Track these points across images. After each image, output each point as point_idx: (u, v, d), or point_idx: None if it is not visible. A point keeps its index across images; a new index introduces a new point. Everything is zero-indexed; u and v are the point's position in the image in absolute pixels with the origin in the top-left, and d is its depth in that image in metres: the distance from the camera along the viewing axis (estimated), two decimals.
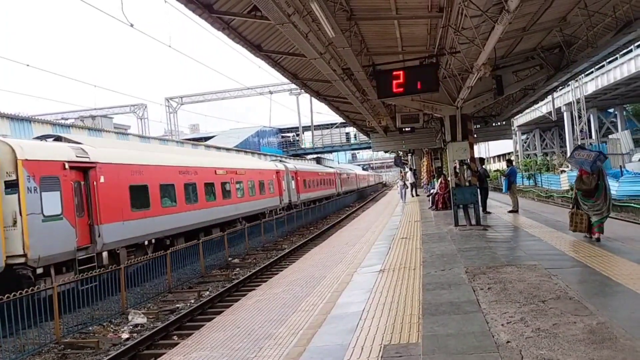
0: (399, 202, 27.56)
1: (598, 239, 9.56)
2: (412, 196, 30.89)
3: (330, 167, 57.75)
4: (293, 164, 38.29)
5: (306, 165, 48.49)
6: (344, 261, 12.01)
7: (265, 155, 48.56)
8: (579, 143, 42.69)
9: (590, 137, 43.86)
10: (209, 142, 49.78)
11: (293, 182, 34.72)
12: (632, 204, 25.82)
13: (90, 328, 10.82)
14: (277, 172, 31.27)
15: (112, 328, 11.01)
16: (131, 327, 11.03)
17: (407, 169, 51.38)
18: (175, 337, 10.11)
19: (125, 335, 10.42)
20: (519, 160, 55.70)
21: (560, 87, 31.71)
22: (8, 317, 9.01)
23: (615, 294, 6.04)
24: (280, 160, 38.61)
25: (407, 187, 29.68)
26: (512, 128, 43.47)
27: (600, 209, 9.41)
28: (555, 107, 45.54)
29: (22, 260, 10.97)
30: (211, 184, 20.88)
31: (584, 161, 9.57)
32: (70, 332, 10.42)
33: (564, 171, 42.03)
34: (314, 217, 32.66)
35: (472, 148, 13.89)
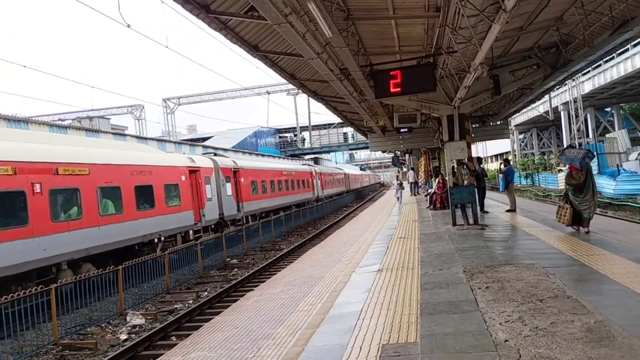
0: (396, 203, 26.39)
1: (587, 232, 10.36)
2: (414, 195, 30.85)
3: (309, 164, 47.64)
4: (232, 159, 26.15)
5: (258, 161, 35.02)
6: (342, 261, 12.02)
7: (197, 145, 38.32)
8: (576, 142, 42.87)
9: (587, 136, 43.90)
10: (206, 143, 49.72)
11: (229, 185, 23.31)
12: (630, 203, 25.88)
13: (88, 329, 10.81)
14: (193, 171, 19.99)
15: (110, 329, 11.00)
16: (129, 328, 11.02)
17: (404, 168, 51.35)
18: (173, 338, 10.11)
19: (123, 336, 10.41)
20: (517, 160, 55.78)
21: (557, 87, 31.81)
22: (6, 318, 9.00)
23: (613, 292, 6.04)
24: (215, 154, 26.94)
25: (403, 188, 28.49)
26: (510, 127, 43.50)
27: (588, 206, 10.25)
28: (553, 106, 45.54)
29: None
30: None
31: (574, 158, 10.31)
32: (68, 333, 10.40)
33: (562, 170, 42.10)
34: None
35: (469, 147, 13.92)
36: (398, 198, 26.79)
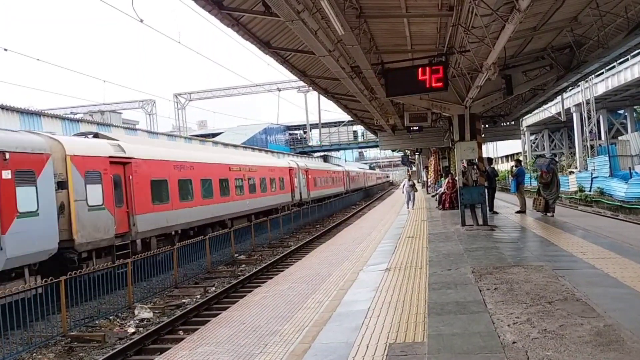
0: (404, 205, 23.28)
1: (552, 215, 14.48)
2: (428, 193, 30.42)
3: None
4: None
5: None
6: (350, 259, 12.01)
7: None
8: (588, 145, 42.61)
9: (600, 138, 43.51)
10: (216, 139, 49.85)
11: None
12: None
13: (96, 322, 10.89)
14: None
15: (118, 322, 11.08)
16: (137, 321, 11.08)
17: (413, 167, 51.05)
18: (181, 332, 10.15)
19: (131, 330, 10.47)
20: (527, 161, 55.39)
21: (570, 88, 31.50)
22: (16, 309, 9.09)
23: (623, 296, 5.99)
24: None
25: (416, 190, 23.76)
26: (521, 128, 43.22)
27: (554, 198, 14.84)
28: (565, 107, 45.17)
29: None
30: None
31: (542, 164, 14.80)
32: (77, 325, 10.49)
33: (573, 172, 41.79)
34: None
35: (480, 148, 13.86)
36: (408, 202, 22.34)
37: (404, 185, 24.32)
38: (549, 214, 14.53)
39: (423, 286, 7.27)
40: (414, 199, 22.73)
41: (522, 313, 5.49)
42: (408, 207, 22.12)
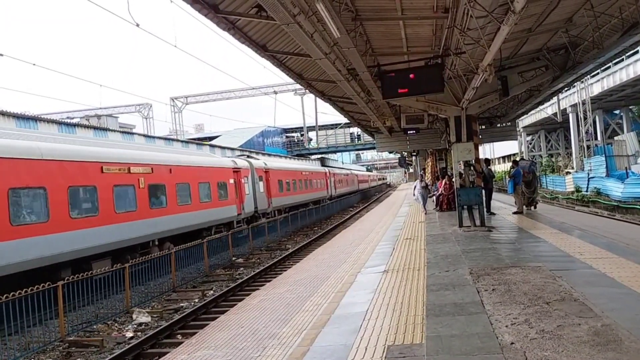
0: (419, 208, 20.46)
1: (534, 207, 17.25)
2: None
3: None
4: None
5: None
6: (347, 261, 12.00)
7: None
8: (585, 145, 42.76)
9: (596, 138, 43.65)
10: (213, 142, 49.78)
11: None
12: (638, 206, 25.70)
13: (94, 326, 10.87)
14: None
15: (116, 327, 11.05)
16: (135, 325, 11.06)
17: (410, 169, 51.03)
18: (179, 336, 10.14)
19: (129, 334, 10.45)
20: None
21: (566, 88, 31.61)
22: (13, 314, 9.05)
23: (620, 295, 6.01)
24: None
25: (429, 192, 21.80)
26: (517, 129, 43.31)
27: (535, 195, 17.54)
28: (561, 108, 45.33)
29: None
30: None
31: (524, 166, 16.85)
32: (75, 330, 10.46)
33: (569, 172, 41.88)
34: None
35: (477, 149, 13.88)
36: (424, 205, 20.11)
37: (415, 187, 21.47)
38: (530, 208, 17.06)
39: (421, 288, 7.27)
40: (426, 199, 20.61)
41: (520, 314, 5.51)
42: (424, 211, 19.73)
